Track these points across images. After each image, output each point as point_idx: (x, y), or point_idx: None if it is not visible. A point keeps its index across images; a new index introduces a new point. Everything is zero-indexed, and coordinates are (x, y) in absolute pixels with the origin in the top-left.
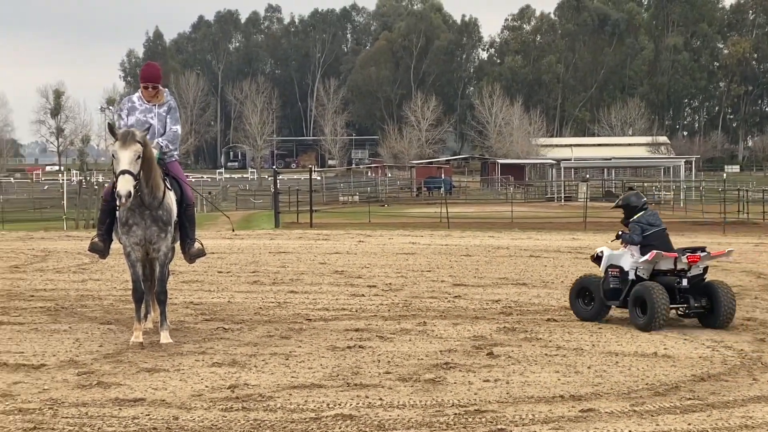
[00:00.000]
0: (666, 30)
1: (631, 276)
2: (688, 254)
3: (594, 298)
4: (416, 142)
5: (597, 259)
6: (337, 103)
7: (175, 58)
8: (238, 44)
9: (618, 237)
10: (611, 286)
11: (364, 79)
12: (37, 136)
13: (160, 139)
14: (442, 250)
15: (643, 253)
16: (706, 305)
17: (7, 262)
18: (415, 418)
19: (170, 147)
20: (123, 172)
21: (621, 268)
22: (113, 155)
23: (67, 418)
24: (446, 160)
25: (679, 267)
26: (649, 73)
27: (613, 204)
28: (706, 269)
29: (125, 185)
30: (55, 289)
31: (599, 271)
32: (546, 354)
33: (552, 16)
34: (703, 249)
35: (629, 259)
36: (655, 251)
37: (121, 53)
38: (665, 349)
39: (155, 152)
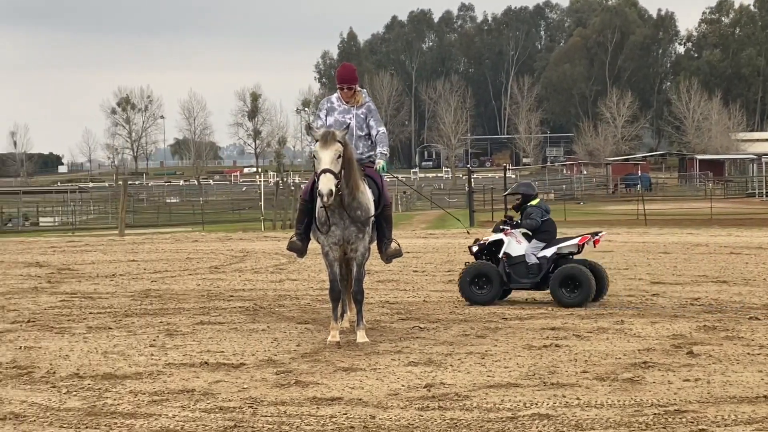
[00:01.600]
0: None
1: (532, 260)
2: (595, 237)
3: (491, 283)
4: (612, 138)
5: (481, 245)
6: (531, 100)
7: (369, 58)
8: (431, 43)
9: (506, 222)
10: (507, 270)
11: (558, 76)
12: (235, 139)
13: (380, 148)
14: (639, 247)
15: (541, 240)
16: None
17: (207, 263)
18: (614, 417)
19: (386, 151)
20: (324, 171)
21: (509, 254)
22: (314, 155)
23: (266, 416)
24: (643, 157)
25: (583, 250)
26: None
27: (507, 191)
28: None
29: (327, 184)
30: (253, 289)
31: (489, 258)
32: (748, 353)
33: (751, 8)
34: (597, 233)
35: (516, 245)
36: (587, 235)
37: (316, 55)
38: None
39: (382, 163)
